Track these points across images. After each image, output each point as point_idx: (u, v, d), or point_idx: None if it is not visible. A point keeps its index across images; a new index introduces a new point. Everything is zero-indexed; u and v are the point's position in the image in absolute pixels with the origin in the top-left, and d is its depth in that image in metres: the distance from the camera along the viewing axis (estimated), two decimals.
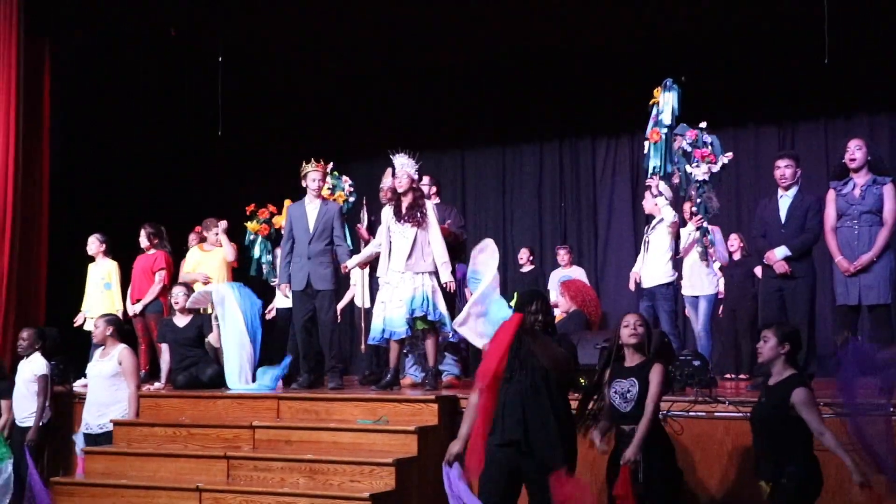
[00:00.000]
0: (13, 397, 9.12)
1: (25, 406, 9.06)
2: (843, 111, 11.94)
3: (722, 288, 10.63)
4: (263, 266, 10.97)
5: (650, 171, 8.77)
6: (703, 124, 8.69)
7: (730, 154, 8.83)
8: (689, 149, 8.70)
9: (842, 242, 7.86)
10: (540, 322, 6.40)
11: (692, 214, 9.20)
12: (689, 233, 9.73)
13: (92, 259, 10.88)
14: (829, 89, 11.45)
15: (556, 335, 6.51)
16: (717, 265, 10.50)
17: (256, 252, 10.89)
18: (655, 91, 8.87)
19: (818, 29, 9.67)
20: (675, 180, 8.98)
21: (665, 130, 8.63)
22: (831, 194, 8.06)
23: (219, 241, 10.69)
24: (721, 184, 9.27)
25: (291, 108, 14.13)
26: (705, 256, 9.70)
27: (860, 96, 11.70)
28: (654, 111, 8.77)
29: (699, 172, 8.70)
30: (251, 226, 10.71)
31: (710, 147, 8.69)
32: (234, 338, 9.36)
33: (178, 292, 9.70)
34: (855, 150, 7.91)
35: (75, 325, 10.77)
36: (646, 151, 8.83)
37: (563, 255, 12.23)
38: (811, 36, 9.97)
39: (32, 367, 9.19)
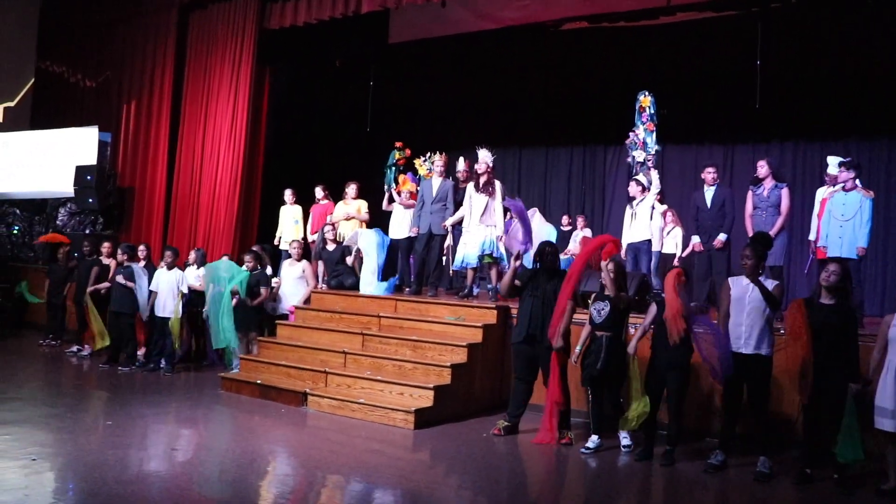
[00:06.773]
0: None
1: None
2: (766, 139, 11.19)
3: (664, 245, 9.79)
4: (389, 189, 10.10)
5: (648, 150, 9.43)
6: (639, 129, 9.48)
7: (658, 147, 9.55)
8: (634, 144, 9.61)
9: (756, 225, 7.76)
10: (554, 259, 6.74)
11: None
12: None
13: (284, 203, 10.92)
14: (758, 124, 10.83)
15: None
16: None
17: (391, 176, 10.14)
18: (643, 99, 9.43)
19: (752, 80, 9.52)
20: (629, 159, 9.66)
21: (654, 123, 9.55)
22: (749, 194, 8.08)
23: (356, 194, 10.28)
24: (658, 167, 9.83)
25: (412, 117, 13.45)
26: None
27: (780, 130, 11.07)
28: (647, 111, 9.48)
29: (638, 156, 9.49)
30: (397, 154, 10.08)
31: (644, 142, 9.46)
32: (368, 262, 9.21)
33: (328, 229, 9.77)
34: (759, 167, 8.04)
35: (274, 243, 10.84)
36: (641, 137, 9.47)
37: (581, 221, 11.78)
38: (748, 85, 9.67)
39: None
